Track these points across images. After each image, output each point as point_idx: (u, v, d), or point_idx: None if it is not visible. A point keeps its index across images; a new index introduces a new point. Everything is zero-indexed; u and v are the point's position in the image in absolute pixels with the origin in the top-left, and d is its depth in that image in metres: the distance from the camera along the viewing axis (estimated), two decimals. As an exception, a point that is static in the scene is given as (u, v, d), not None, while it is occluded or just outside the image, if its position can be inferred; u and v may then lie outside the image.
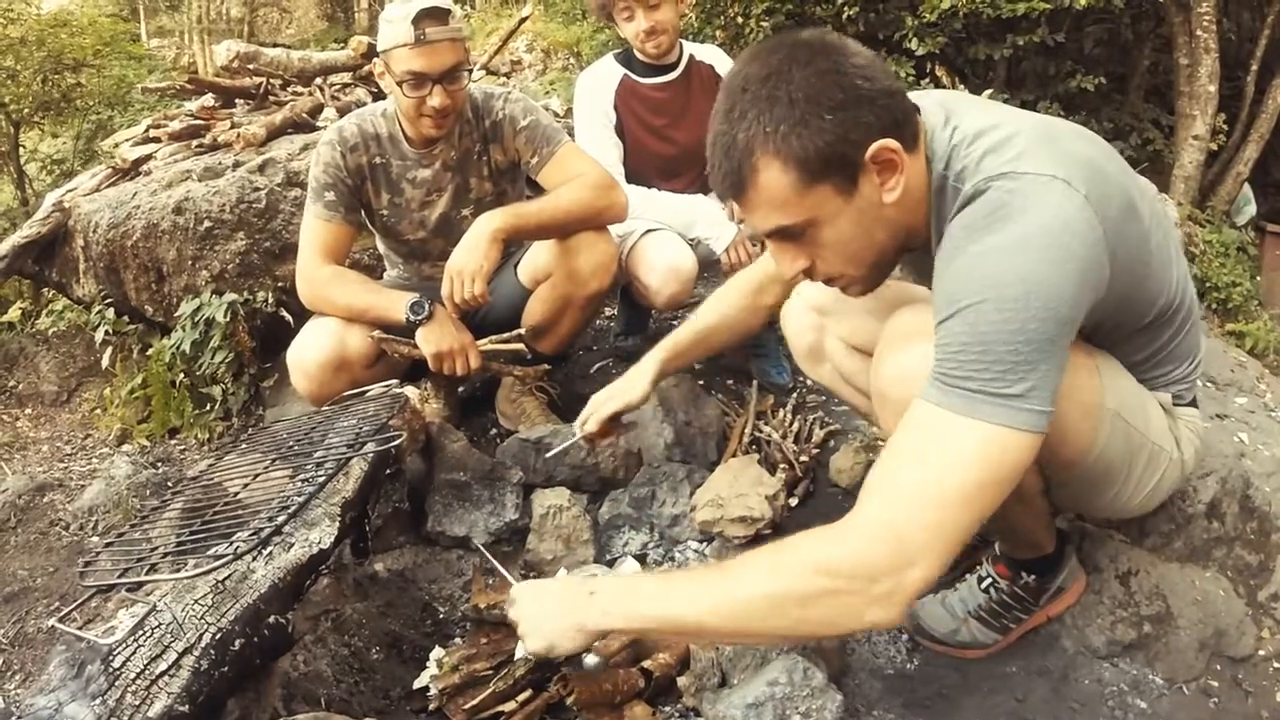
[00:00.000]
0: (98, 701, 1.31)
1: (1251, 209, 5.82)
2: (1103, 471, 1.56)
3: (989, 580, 1.84)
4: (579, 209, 2.41)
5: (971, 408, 1.20)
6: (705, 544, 2.12)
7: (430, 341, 2.30)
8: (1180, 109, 5.59)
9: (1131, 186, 1.39)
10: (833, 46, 1.31)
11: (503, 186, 2.63)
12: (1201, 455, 1.80)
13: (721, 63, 3.02)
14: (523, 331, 2.46)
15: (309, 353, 2.39)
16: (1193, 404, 1.71)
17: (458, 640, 1.93)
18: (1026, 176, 1.27)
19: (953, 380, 1.22)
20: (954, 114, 1.40)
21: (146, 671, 1.35)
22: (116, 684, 1.32)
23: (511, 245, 2.44)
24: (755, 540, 2.00)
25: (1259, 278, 5.43)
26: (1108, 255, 1.29)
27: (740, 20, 5.43)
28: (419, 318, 2.30)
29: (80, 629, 1.43)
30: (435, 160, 2.53)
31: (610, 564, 2.15)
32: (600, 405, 2.02)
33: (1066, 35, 5.17)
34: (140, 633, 1.40)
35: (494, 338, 2.42)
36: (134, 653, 1.37)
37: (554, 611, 1.43)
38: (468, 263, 2.25)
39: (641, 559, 2.11)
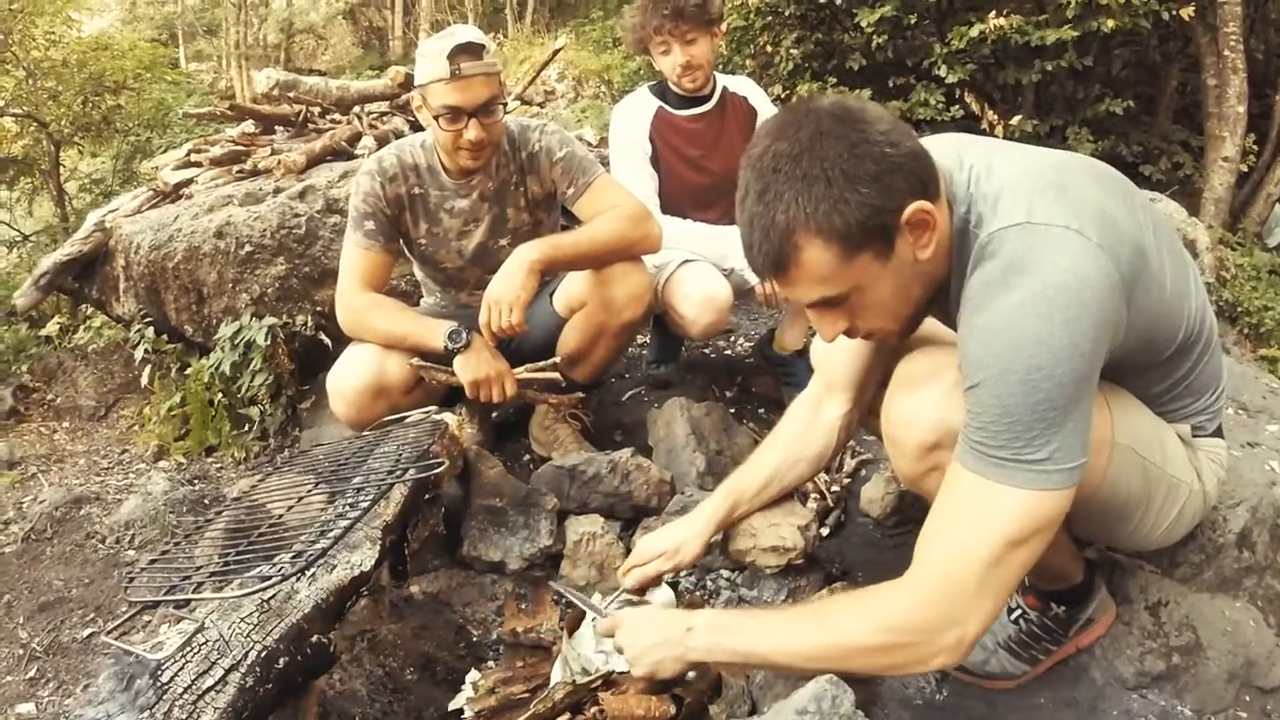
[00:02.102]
0: (146, 715, 1.33)
1: (1283, 230, 5.77)
2: (1120, 504, 1.58)
3: (1019, 611, 1.84)
4: (614, 240, 2.45)
5: (1006, 475, 1.29)
6: (737, 573, 2.13)
7: (468, 369, 2.35)
8: (1209, 130, 5.56)
9: (1142, 228, 1.41)
10: (856, 115, 1.33)
11: (539, 217, 2.68)
12: (1225, 485, 1.80)
13: (754, 94, 3.06)
14: (558, 360, 2.50)
15: (348, 378, 2.44)
16: (1217, 434, 1.71)
17: (491, 663, 1.95)
18: (1040, 228, 1.30)
19: (987, 450, 1.31)
20: (965, 155, 1.43)
21: (194, 687, 1.37)
22: (164, 698, 1.35)
23: (547, 275, 2.48)
24: (787, 570, 2.01)
25: (1291, 301, 5.37)
26: (1124, 301, 1.33)
27: (770, 49, 5.48)
28: (457, 345, 2.34)
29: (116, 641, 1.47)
30: (473, 191, 2.58)
31: (642, 591, 2.16)
32: (647, 561, 1.90)
33: (1095, 59, 5.16)
34: (188, 649, 1.44)
35: (529, 366, 2.46)
36: (181, 668, 1.40)
37: (657, 642, 1.57)
38: (505, 292, 2.30)
39: (674, 586, 2.11)
